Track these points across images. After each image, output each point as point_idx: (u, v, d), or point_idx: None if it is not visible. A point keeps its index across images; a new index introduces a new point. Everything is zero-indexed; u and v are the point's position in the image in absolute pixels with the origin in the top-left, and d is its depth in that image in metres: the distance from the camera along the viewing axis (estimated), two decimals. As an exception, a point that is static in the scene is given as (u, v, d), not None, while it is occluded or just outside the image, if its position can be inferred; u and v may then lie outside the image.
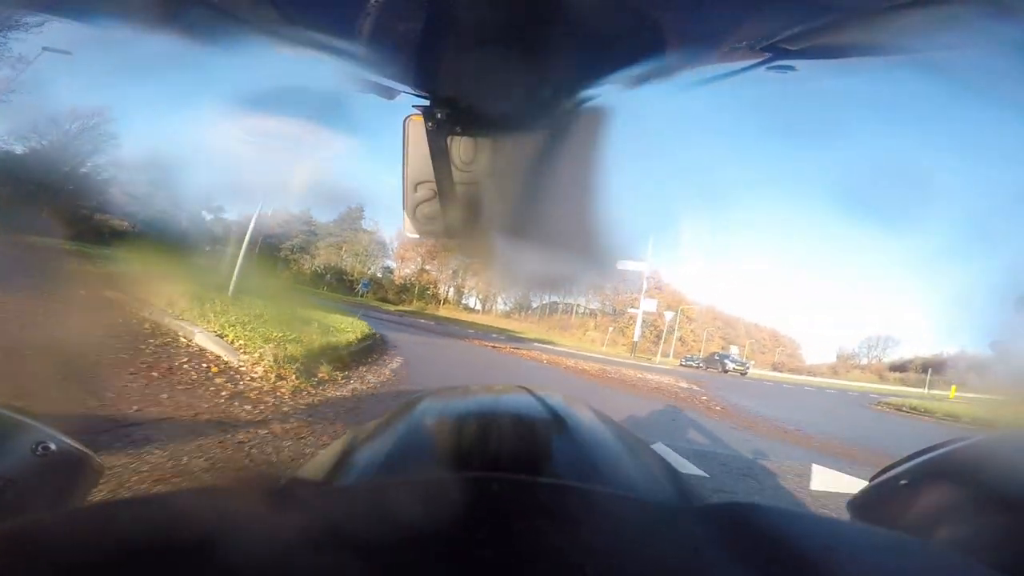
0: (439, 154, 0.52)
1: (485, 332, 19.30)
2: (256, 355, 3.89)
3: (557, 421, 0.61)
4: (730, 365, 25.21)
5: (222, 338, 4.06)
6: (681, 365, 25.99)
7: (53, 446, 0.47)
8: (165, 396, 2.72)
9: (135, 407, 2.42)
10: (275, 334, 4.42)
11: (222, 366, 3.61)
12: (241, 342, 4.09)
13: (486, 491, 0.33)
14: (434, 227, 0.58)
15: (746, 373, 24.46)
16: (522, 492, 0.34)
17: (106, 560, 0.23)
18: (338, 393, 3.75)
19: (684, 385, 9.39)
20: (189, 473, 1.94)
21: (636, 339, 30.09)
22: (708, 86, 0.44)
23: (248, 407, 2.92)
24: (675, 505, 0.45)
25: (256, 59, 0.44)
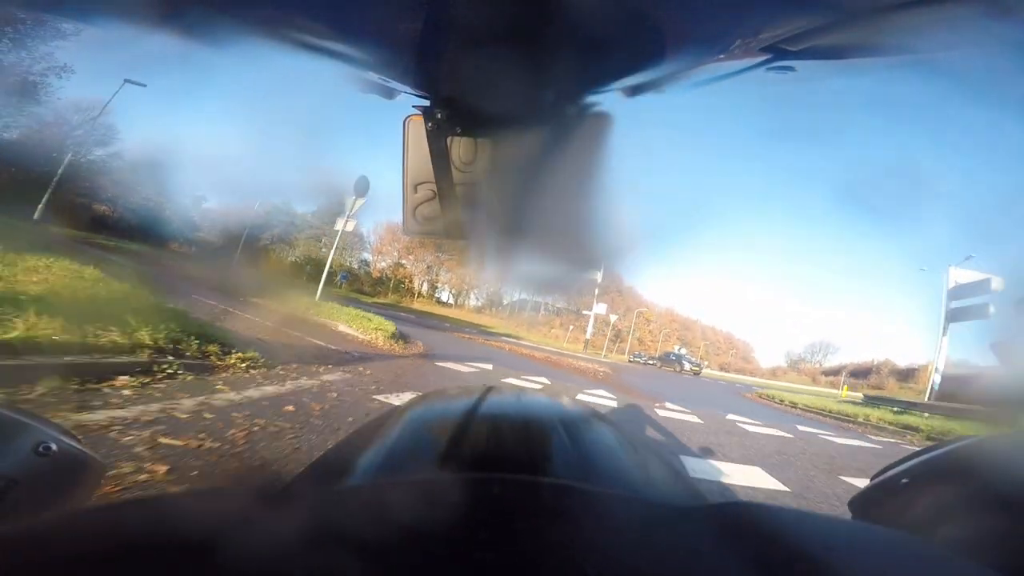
0: (439, 154, 0.52)
1: (460, 326, 23.62)
2: (372, 335, 7.78)
3: (558, 422, 0.61)
4: (687, 365, 28.65)
5: (349, 326, 8.07)
6: (629, 361, 31.62)
7: (55, 446, 0.47)
8: (353, 349, 6.23)
9: (352, 350, 6.03)
10: (370, 325, 8.25)
11: (362, 340, 7.50)
12: (360, 328, 8.00)
13: (487, 492, 0.33)
14: (434, 227, 0.58)
15: (700, 372, 28.27)
16: (523, 492, 0.34)
17: (107, 560, 0.23)
18: (413, 352, 7.61)
19: (600, 369, 13.22)
20: (383, 375, 4.67)
21: (588, 337, 37.34)
22: (706, 87, 0.44)
23: (394, 352, 7.00)
24: (676, 505, 0.45)
25: (255, 59, 0.44)
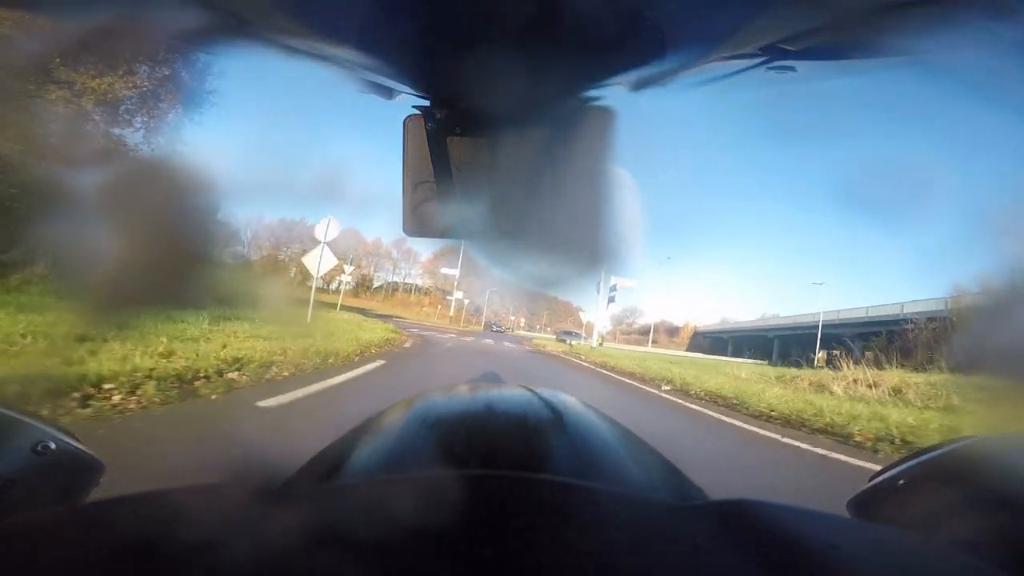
0: (439, 154, 0.52)
1: (359, 311, 29.31)
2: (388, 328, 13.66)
3: (557, 419, 0.61)
4: (583, 340, 41.75)
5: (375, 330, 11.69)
6: (492, 330, 44.23)
7: (53, 445, 0.47)
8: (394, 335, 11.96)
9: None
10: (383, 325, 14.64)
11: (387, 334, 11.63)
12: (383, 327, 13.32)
13: (486, 489, 0.33)
14: (434, 227, 0.58)
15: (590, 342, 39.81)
16: (523, 490, 0.34)
17: (105, 558, 0.23)
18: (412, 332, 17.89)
19: (455, 332, 24.55)
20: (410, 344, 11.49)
21: (451, 314, 52.84)
22: (706, 87, 0.44)
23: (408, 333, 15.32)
24: (677, 503, 0.45)
25: (253, 61, 0.43)
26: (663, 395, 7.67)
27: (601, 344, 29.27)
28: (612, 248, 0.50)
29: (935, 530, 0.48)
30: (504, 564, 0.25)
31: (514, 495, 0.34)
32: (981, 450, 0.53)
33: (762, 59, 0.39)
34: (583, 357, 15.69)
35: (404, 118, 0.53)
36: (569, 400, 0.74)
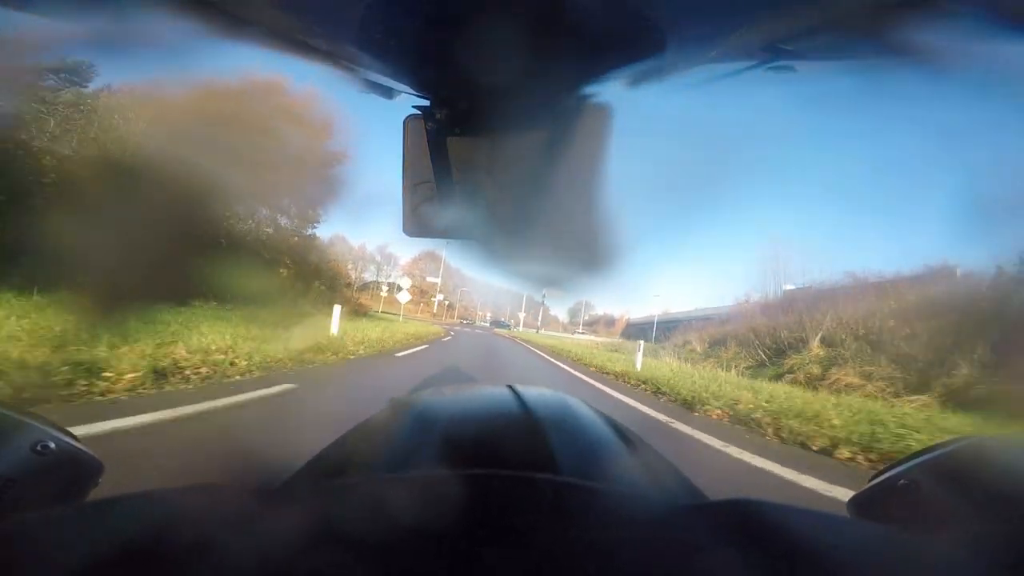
0: (439, 154, 0.52)
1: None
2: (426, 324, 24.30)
3: (557, 418, 0.61)
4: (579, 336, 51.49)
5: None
6: (462, 323, 53.15)
7: (53, 445, 0.47)
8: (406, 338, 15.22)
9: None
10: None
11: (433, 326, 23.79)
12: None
13: (486, 488, 0.33)
14: (434, 228, 0.58)
15: (572, 334, 52.93)
16: (523, 489, 0.34)
17: (105, 558, 0.23)
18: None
19: (445, 325, 35.40)
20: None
21: (435, 311, 61.77)
22: (705, 88, 0.44)
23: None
24: (677, 502, 0.45)
25: (251, 60, 0.44)
26: (517, 341, 19.51)
27: (539, 332, 44.04)
28: (608, 246, 0.50)
29: (935, 530, 0.48)
30: (504, 564, 0.25)
31: (514, 494, 0.34)
32: (981, 450, 0.53)
33: (762, 59, 0.39)
34: (514, 336, 27.45)
35: (404, 118, 0.53)
36: (569, 399, 0.74)
